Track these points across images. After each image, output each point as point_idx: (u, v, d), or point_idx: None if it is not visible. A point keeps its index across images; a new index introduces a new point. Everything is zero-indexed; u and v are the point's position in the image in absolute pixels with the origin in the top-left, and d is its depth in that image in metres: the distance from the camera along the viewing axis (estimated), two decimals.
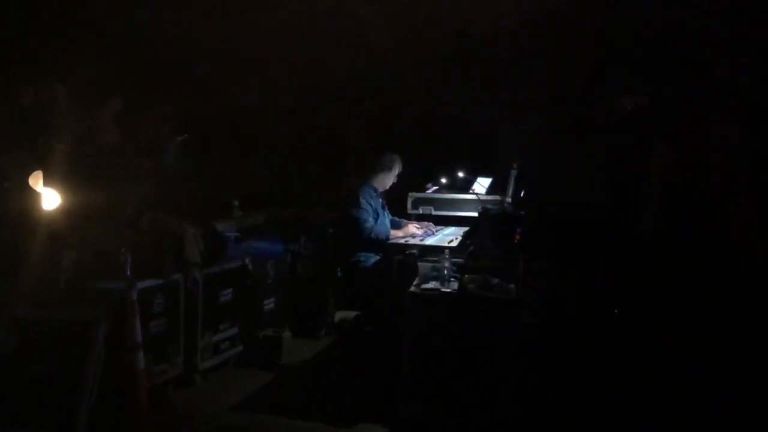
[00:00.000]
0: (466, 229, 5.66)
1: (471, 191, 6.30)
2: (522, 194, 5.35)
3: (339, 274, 5.91)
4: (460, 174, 6.37)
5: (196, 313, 5.10)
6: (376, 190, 5.83)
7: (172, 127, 5.81)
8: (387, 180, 5.85)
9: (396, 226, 5.98)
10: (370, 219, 5.62)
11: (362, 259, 5.64)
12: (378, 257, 5.61)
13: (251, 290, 5.71)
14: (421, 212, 6.40)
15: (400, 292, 4.68)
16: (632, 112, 5.66)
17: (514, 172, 5.63)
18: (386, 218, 5.94)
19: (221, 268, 5.40)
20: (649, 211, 4.91)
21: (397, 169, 5.83)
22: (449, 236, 5.68)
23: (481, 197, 5.96)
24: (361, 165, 6.48)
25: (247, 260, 5.67)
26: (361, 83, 7.18)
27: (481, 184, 6.31)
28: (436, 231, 5.89)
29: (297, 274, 6.31)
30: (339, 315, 6.55)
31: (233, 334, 5.55)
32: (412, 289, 4.44)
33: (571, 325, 4.47)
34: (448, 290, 4.38)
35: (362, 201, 5.61)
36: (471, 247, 4.86)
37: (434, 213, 6.36)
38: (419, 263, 4.78)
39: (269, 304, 6.02)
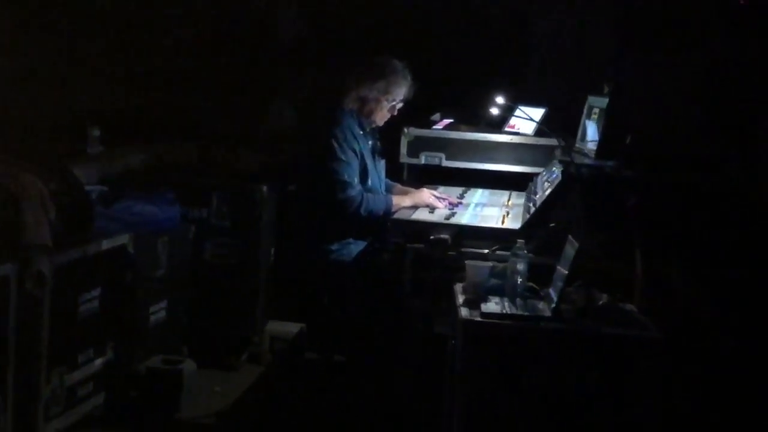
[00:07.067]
0: (506, 194, 5.59)
1: (506, 129, 6.05)
2: (628, 141, 5.05)
3: (272, 258, 6.12)
4: (499, 100, 5.91)
5: (39, 334, 4.79)
6: (362, 123, 5.36)
7: None
8: (388, 103, 5.36)
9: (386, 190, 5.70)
10: (355, 179, 5.21)
11: (334, 248, 5.29)
12: (362, 244, 5.29)
13: (131, 290, 5.46)
14: (424, 162, 6.11)
15: (417, 307, 4.77)
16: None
17: (597, 101, 5.39)
18: (382, 173, 5.58)
19: (85, 253, 5.08)
20: None
21: (407, 88, 5.35)
22: (490, 206, 5.40)
23: (528, 139, 5.77)
24: (302, 74, 6.80)
25: (126, 237, 5.38)
26: None
27: (528, 117, 5.89)
28: (462, 198, 5.61)
29: (204, 260, 6.19)
30: (271, 328, 6.42)
31: (101, 368, 5.32)
32: (464, 314, 4.01)
33: (725, 362, 4.52)
34: (531, 314, 3.99)
35: (340, 142, 5.18)
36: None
37: (445, 163, 6.09)
38: (468, 263, 4.34)
39: (158, 311, 5.79)
